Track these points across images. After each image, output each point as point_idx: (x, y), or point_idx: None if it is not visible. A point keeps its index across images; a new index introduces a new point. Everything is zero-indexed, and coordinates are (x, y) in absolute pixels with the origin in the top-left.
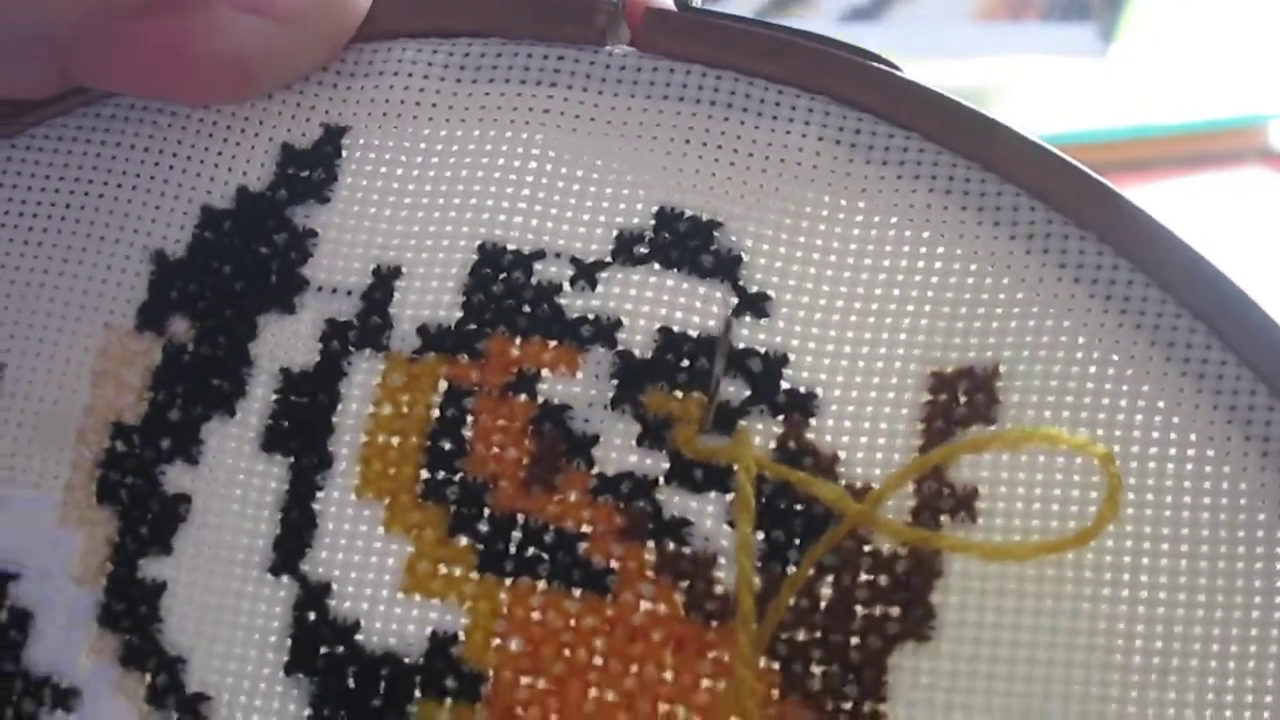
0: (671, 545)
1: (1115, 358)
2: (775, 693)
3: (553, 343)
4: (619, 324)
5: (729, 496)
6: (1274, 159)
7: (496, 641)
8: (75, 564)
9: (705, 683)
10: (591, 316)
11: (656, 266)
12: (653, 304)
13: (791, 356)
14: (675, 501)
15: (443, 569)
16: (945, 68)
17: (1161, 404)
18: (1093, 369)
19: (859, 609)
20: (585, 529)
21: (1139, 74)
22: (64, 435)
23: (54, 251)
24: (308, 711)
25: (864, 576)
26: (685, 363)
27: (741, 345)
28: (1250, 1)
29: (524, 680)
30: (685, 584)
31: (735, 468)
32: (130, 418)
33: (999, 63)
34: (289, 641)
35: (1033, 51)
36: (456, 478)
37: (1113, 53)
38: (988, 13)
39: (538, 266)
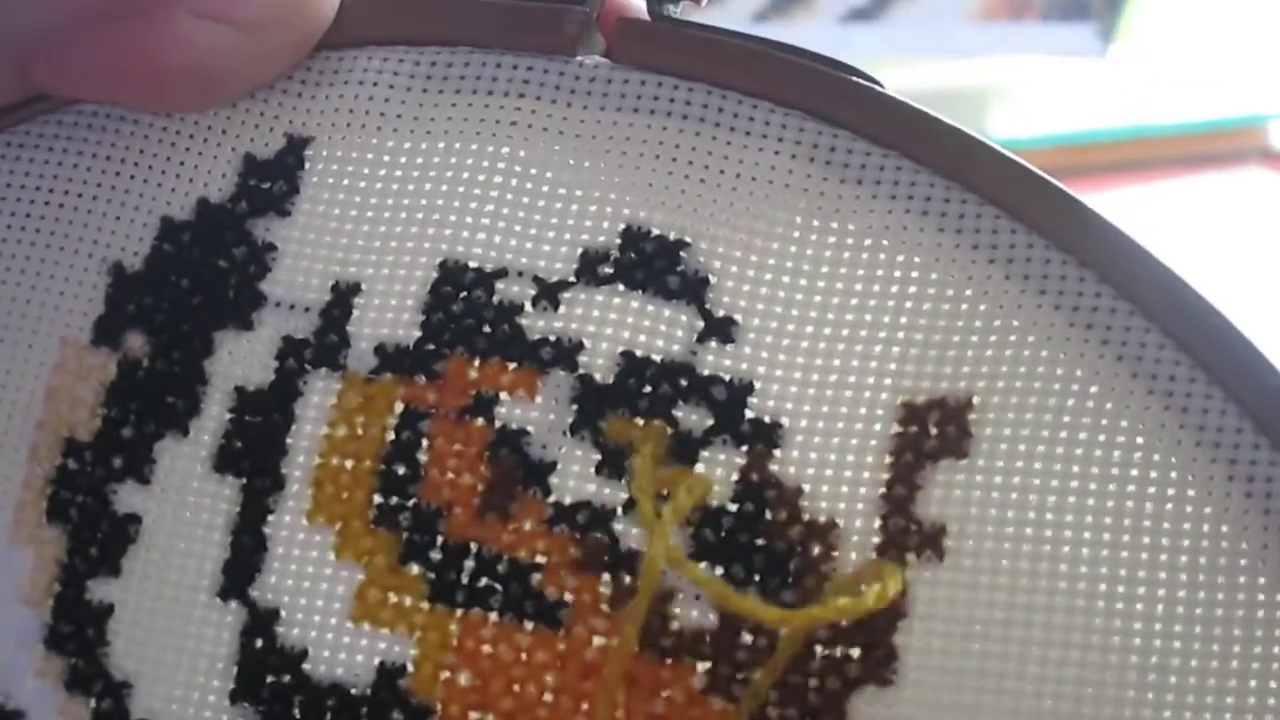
0: (628, 579)
1: (1094, 390)
2: None
3: (512, 365)
4: (580, 346)
5: (689, 530)
6: (1274, 159)
7: (445, 674)
8: (24, 584)
9: None
10: (553, 338)
11: (621, 288)
12: (616, 326)
13: (758, 384)
14: (633, 533)
15: (393, 598)
16: (945, 68)
17: (1142, 440)
18: (1070, 401)
19: (819, 649)
20: (540, 559)
21: (1139, 74)
22: (17, 451)
23: (12, 263)
24: None
25: None
26: (647, 389)
27: (706, 372)
28: (1250, 1)
29: (472, 715)
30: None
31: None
32: (83, 434)
33: (999, 63)
34: (235, 669)
35: (1033, 51)
36: (409, 504)
37: (1113, 53)
38: (988, 13)
39: (499, 285)
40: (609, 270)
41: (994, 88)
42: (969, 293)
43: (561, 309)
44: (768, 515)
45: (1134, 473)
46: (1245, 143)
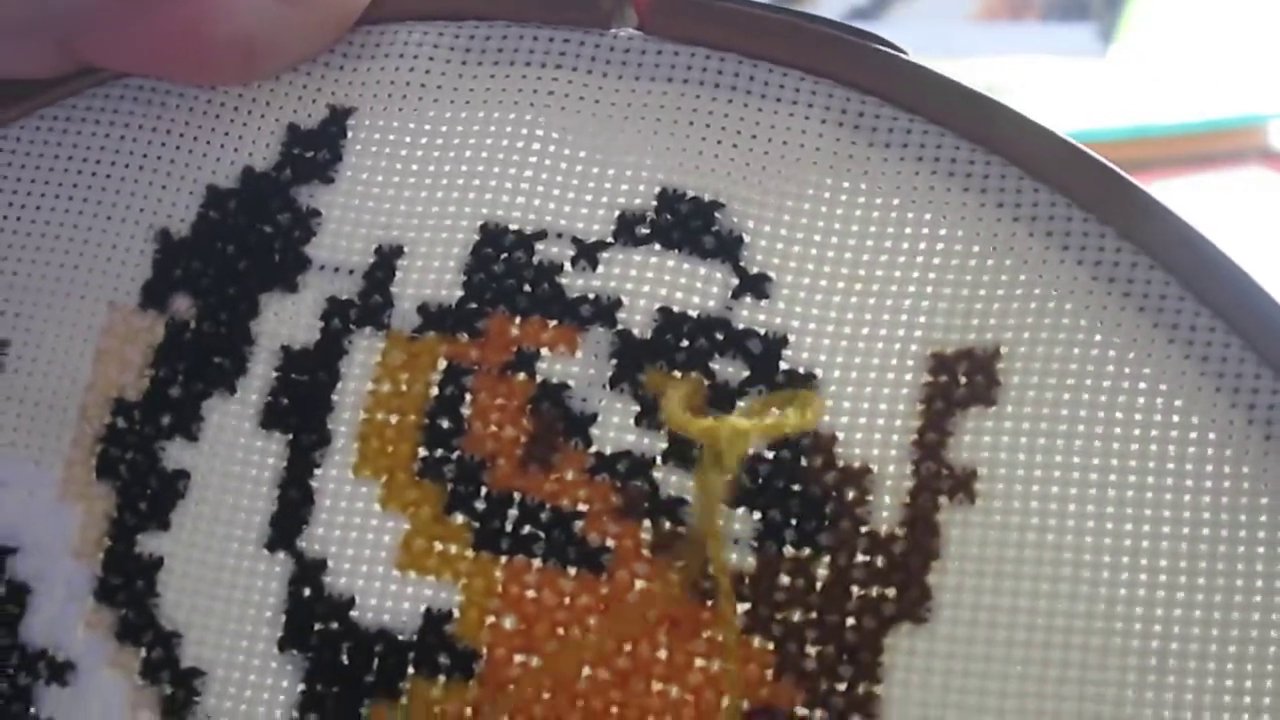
0: (668, 524)
1: (1117, 340)
2: (769, 673)
3: (552, 322)
4: (619, 304)
5: (727, 476)
6: (1274, 159)
7: (491, 619)
8: (74, 539)
9: (699, 662)
10: (592, 296)
11: (658, 247)
12: (653, 284)
13: (791, 338)
14: (672, 480)
15: (438, 546)
16: (945, 68)
17: (1164, 387)
18: (1094, 351)
19: (855, 590)
20: (582, 507)
21: (1139, 74)
22: (66, 412)
23: (61, 231)
24: (301, 687)
25: (860, 557)
26: (684, 343)
27: (741, 326)
28: (1250, 1)
29: (517, 658)
30: (681, 563)
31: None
32: (132, 394)
33: (999, 63)
34: (283, 617)
35: (1033, 51)
36: (454, 456)
37: (1113, 53)
38: (988, 13)
39: (539, 246)
40: (646, 231)
41: (994, 88)
42: (994, 249)
43: (600, 268)
44: (803, 462)
45: (1156, 418)
46: (1245, 143)
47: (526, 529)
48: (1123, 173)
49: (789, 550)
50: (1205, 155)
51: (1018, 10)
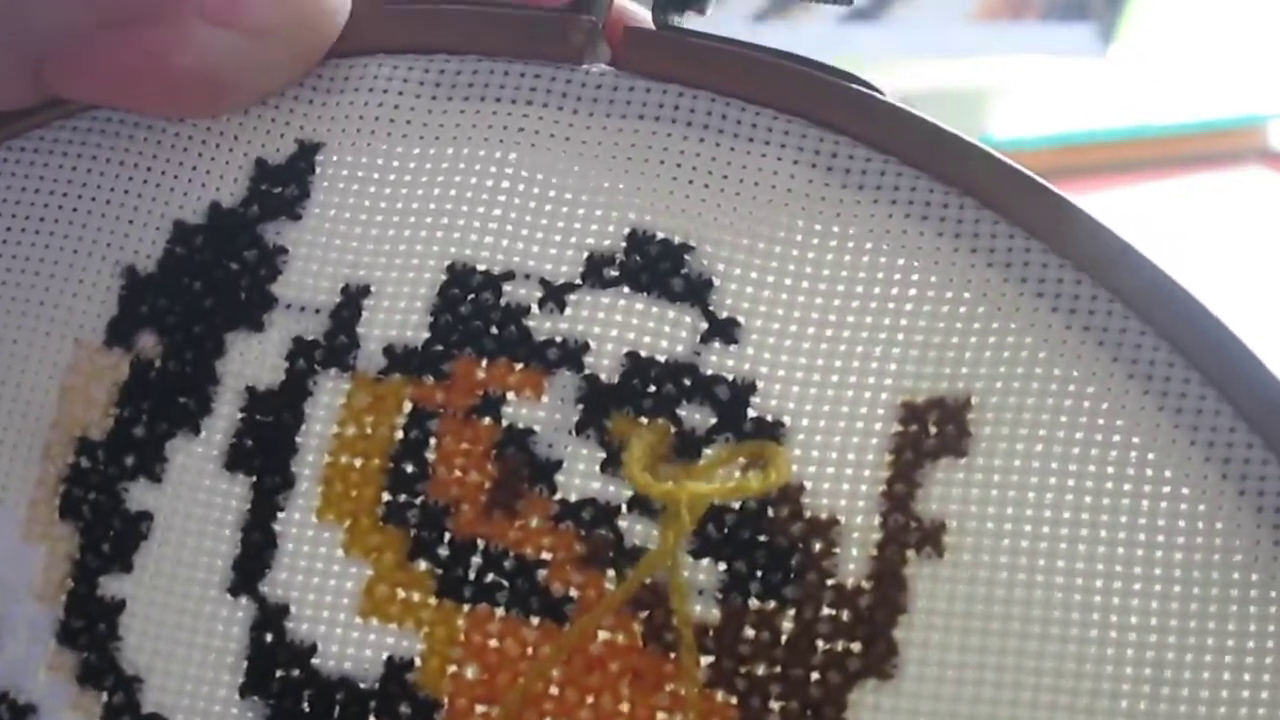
0: (632, 574)
1: (1091, 390)
2: None
3: (519, 365)
4: (586, 347)
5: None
6: (1274, 159)
7: (452, 669)
8: (37, 580)
9: (661, 715)
10: (559, 339)
11: (626, 290)
12: (621, 328)
13: (760, 384)
14: (637, 530)
15: (401, 593)
16: (945, 68)
17: (1137, 440)
18: (1067, 401)
19: (820, 644)
20: (545, 556)
21: (1139, 74)
22: (31, 450)
23: (27, 265)
24: None
25: (826, 611)
26: (652, 388)
27: (710, 372)
28: (1250, 1)
29: (479, 709)
30: (644, 614)
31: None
32: (96, 434)
33: (999, 63)
34: (245, 663)
35: (1033, 51)
36: (418, 501)
37: (1113, 53)
38: (988, 13)
39: (506, 288)
40: (614, 273)
41: (994, 88)
42: (968, 295)
43: (567, 310)
44: (770, 512)
45: (1129, 471)
46: (1245, 143)
47: (490, 577)
48: (1098, 217)
49: (754, 603)
50: (1205, 155)
51: (1018, 10)
